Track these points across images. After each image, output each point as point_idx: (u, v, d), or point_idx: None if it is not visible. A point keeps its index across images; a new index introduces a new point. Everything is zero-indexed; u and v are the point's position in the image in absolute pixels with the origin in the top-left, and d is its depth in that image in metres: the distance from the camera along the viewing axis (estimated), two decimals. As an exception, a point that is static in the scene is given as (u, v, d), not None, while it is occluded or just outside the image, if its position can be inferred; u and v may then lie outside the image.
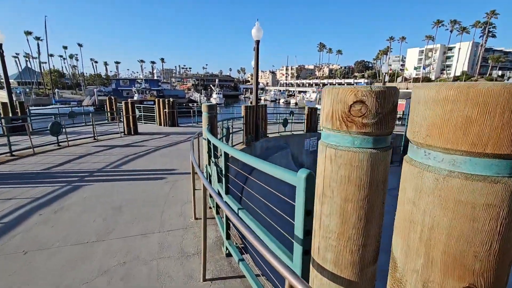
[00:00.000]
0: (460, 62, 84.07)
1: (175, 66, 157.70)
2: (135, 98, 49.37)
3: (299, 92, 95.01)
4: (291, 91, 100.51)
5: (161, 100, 14.66)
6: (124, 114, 11.58)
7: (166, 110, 14.38)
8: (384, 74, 17.98)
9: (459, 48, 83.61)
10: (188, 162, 6.75)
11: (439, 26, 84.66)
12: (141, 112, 15.38)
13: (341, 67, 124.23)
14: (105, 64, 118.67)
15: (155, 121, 15.01)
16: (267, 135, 11.86)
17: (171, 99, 14.75)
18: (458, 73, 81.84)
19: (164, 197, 4.37)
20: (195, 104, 53.06)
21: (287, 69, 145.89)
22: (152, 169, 6.00)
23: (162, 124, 14.65)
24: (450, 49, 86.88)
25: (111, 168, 6.05)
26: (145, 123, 15.47)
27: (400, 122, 21.84)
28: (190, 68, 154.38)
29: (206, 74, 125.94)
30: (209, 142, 3.71)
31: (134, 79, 62.82)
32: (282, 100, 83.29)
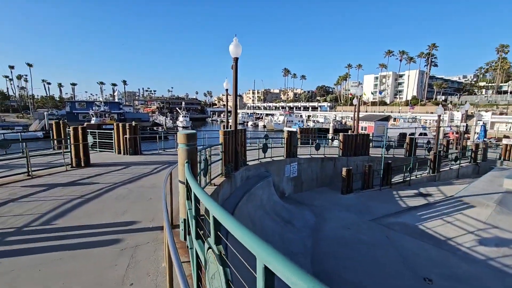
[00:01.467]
0: (410, 88, 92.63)
1: (139, 89, 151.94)
2: (93, 121, 45.28)
3: (267, 115, 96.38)
4: (258, 114, 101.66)
5: (120, 124, 12.67)
6: (72, 141, 9.46)
7: (127, 135, 12.40)
8: (359, 97, 17.99)
9: (408, 76, 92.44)
10: (156, 209, 5.06)
11: (390, 56, 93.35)
12: (96, 138, 13.13)
13: (304, 92, 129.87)
14: (59, 85, 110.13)
15: (113, 149, 12.85)
16: (247, 162, 10.50)
17: (133, 123, 12.84)
18: (409, 97, 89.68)
19: (117, 285, 2.70)
20: (160, 128, 50.36)
21: (253, 93, 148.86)
22: (102, 224, 4.22)
23: (122, 152, 12.56)
24: (401, 76, 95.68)
25: (38, 225, 4.15)
26: (101, 151, 13.20)
27: (371, 145, 21.95)
28: (154, 91, 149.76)
29: (171, 97, 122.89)
30: (196, 198, 2.26)
31: (92, 102, 58.32)
32: (250, 123, 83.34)
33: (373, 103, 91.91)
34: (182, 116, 67.53)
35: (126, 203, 5.30)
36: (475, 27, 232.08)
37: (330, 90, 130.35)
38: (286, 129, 62.63)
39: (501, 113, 59.54)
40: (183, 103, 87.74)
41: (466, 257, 8.26)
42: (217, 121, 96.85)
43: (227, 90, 17.95)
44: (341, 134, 16.38)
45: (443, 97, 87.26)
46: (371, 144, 21.88)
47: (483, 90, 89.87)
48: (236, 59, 8.73)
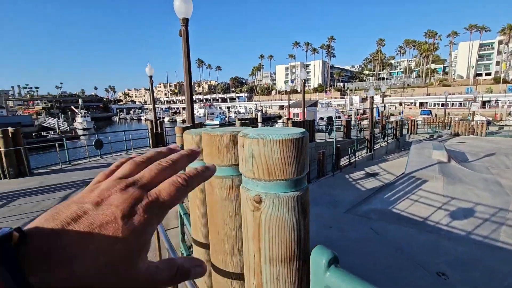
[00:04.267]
0: (316, 76, 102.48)
1: (12, 86, 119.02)
2: None
3: (184, 108, 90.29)
4: (174, 108, 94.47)
5: (-14, 132, 7.92)
6: None
7: (2, 149, 7.84)
8: (303, 81, 17.19)
9: (314, 65, 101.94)
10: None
11: (297, 47, 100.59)
12: None
13: (219, 83, 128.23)
14: None
15: (-25, 173, 7.99)
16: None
17: (10, 129, 8.25)
18: (316, 85, 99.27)
19: None
20: (52, 132, 39.64)
21: (165, 86, 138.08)
22: None
23: (-5, 175, 7.93)
24: (307, 65, 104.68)
25: None
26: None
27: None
28: (36, 87, 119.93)
29: (62, 95, 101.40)
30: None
31: None
32: (167, 119, 76.32)
33: (287, 92, 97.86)
34: (81, 116, 56.17)
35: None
36: (360, 23, 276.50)
37: (244, 81, 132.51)
38: (207, 122, 59.35)
39: (385, 96, 72.42)
40: (80, 101, 73.08)
41: (452, 236, 8.11)
42: (126, 119, 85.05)
43: (151, 77, 14.32)
44: (289, 121, 15.28)
45: (342, 84, 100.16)
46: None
47: (369, 78, 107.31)
48: (185, 21, 5.95)
